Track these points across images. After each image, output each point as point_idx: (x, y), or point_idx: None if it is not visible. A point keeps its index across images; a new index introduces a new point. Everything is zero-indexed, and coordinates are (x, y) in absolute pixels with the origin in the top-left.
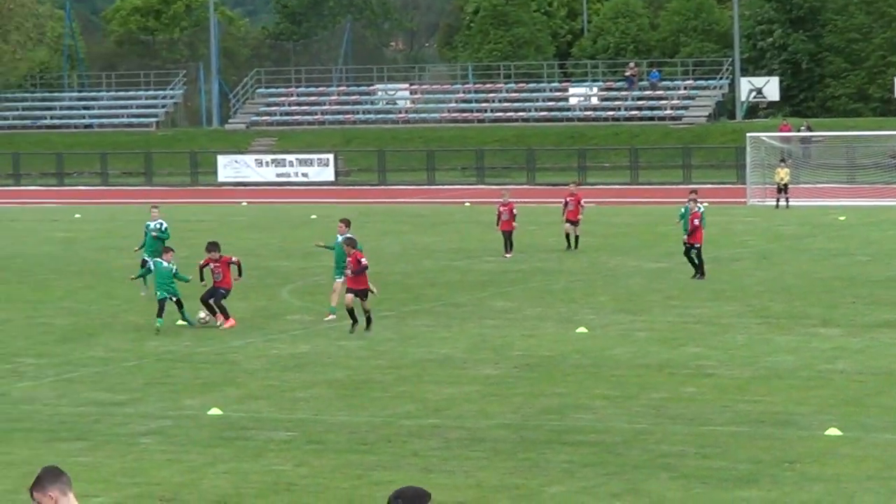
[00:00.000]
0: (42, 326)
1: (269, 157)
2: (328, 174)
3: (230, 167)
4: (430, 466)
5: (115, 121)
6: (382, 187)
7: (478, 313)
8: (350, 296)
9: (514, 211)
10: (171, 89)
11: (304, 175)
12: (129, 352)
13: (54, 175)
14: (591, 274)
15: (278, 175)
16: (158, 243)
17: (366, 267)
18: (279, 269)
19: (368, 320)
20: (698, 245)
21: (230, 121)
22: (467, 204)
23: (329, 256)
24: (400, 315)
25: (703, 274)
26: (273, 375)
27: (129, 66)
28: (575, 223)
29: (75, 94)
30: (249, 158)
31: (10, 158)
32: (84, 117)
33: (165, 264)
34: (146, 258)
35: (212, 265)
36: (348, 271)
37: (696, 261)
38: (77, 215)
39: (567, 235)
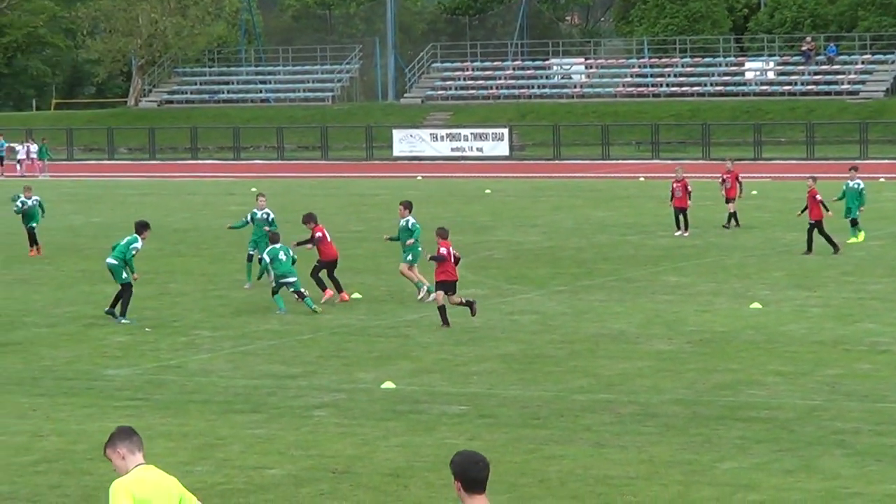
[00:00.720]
0: (218, 299)
1: (443, 132)
2: (503, 148)
3: (405, 141)
4: (603, 441)
5: (292, 95)
6: (557, 162)
7: (651, 288)
8: (440, 293)
9: (689, 188)
10: (348, 63)
11: (479, 149)
12: (304, 325)
13: (231, 149)
14: (766, 249)
15: (453, 149)
16: (264, 233)
17: (443, 257)
18: (453, 242)
19: (470, 307)
20: (814, 221)
21: (405, 95)
22: (642, 179)
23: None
24: (573, 290)
25: (835, 248)
26: (446, 349)
27: (306, 40)
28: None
29: (252, 69)
30: (424, 133)
31: (188, 132)
32: (261, 92)
33: (283, 256)
34: (252, 251)
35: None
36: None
37: (824, 238)
38: (253, 189)
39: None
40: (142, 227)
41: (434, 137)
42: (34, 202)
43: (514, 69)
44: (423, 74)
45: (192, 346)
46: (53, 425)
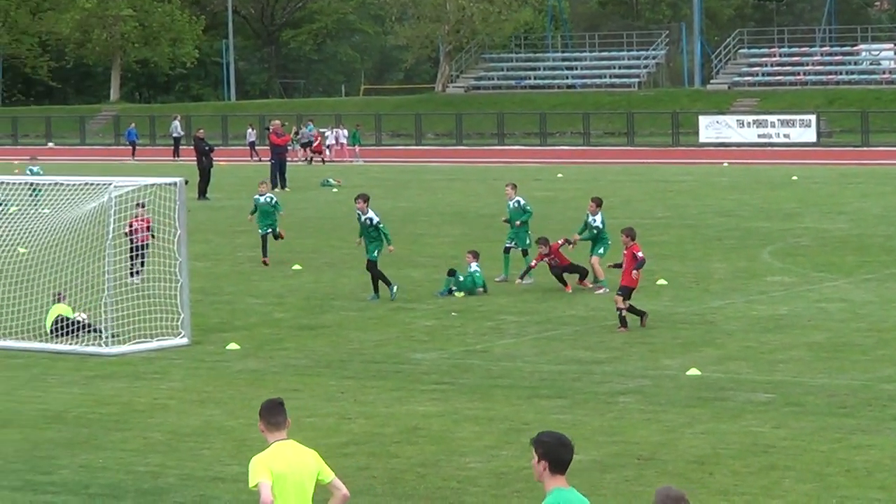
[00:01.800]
0: (526, 286)
1: (750, 118)
2: (810, 135)
3: (711, 127)
4: None
5: (598, 81)
6: (865, 149)
7: None
8: (620, 297)
9: None
10: (654, 49)
11: (786, 136)
12: (609, 311)
13: (537, 135)
14: None
15: (759, 136)
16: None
17: (643, 262)
18: (759, 229)
19: (640, 315)
20: None
21: (712, 81)
22: None
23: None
24: (881, 278)
25: None
26: (752, 337)
27: (612, 26)
28: None
29: (559, 55)
30: (731, 119)
31: (495, 118)
32: (567, 78)
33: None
34: (510, 244)
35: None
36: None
37: None
38: (559, 175)
39: None
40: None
41: (741, 124)
42: (267, 199)
43: (821, 55)
44: (729, 60)
45: (497, 331)
46: (361, 408)
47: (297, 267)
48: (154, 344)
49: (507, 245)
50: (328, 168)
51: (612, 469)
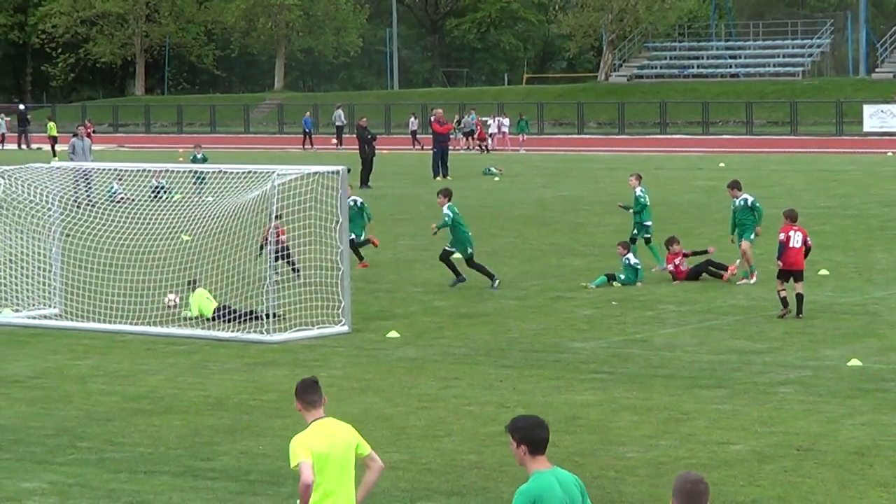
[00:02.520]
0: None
1: None
2: None
3: (876, 117)
4: None
5: (762, 70)
6: None
7: None
8: (779, 281)
9: None
10: (818, 38)
11: None
12: (770, 301)
13: (699, 124)
14: None
15: None
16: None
17: (782, 246)
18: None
19: (784, 307)
20: None
21: (877, 70)
22: None
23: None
24: None
25: None
26: None
27: (777, 14)
28: None
29: (722, 44)
30: None
31: (657, 107)
32: (730, 66)
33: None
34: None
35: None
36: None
37: None
38: (721, 164)
39: None
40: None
41: None
42: (353, 202)
43: None
44: (895, 49)
45: (657, 321)
46: (520, 397)
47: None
48: (315, 331)
49: (647, 236)
50: (490, 156)
51: (770, 460)
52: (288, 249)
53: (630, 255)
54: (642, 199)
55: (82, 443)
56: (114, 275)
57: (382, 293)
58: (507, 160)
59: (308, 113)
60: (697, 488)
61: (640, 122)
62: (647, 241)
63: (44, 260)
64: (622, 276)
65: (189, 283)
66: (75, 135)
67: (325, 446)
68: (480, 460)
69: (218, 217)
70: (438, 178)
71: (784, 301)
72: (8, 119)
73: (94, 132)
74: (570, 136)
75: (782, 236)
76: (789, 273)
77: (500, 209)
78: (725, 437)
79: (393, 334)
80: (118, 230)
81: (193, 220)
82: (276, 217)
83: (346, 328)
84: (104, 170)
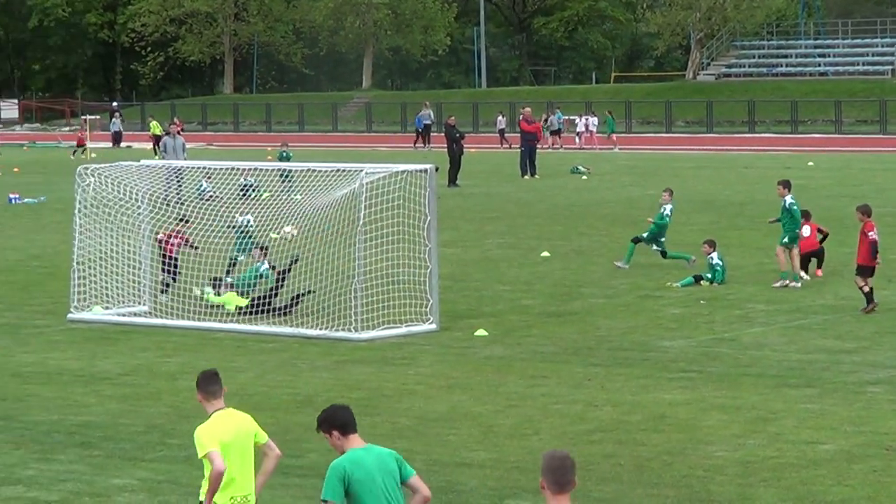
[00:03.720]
0: (774, 273)
1: None
2: None
3: None
4: None
5: (850, 69)
6: None
7: None
8: (858, 278)
9: None
10: None
11: None
12: (860, 301)
13: (788, 122)
14: None
15: None
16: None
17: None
18: None
19: (869, 303)
20: None
21: None
22: None
23: None
24: None
25: None
26: None
27: (866, 12)
28: None
29: (811, 42)
30: None
31: (746, 106)
32: (819, 65)
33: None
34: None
35: None
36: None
37: None
38: (810, 163)
39: None
40: None
41: None
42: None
43: None
44: None
45: (746, 320)
46: (608, 395)
47: (545, 254)
48: (403, 329)
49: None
50: (578, 155)
51: (859, 459)
52: (177, 259)
53: (714, 254)
54: (667, 219)
55: (172, 440)
56: (202, 273)
57: (470, 291)
58: (595, 159)
59: (424, 110)
60: (564, 464)
61: (728, 121)
62: (664, 254)
63: (133, 258)
64: (709, 276)
65: (214, 281)
66: (167, 133)
67: (228, 435)
68: None
69: (306, 215)
70: (526, 177)
71: (868, 296)
72: (120, 117)
73: (182, 130)
74: (657, 135)
75: (872, 234)
76: (867, 268)
77: (588, 208)
78: (814, 437)
79: (481, 332)
80: (205, 228)
81: (282, 218)
82: (183, 221)
83: (433, 326)
84: (194, 168)
